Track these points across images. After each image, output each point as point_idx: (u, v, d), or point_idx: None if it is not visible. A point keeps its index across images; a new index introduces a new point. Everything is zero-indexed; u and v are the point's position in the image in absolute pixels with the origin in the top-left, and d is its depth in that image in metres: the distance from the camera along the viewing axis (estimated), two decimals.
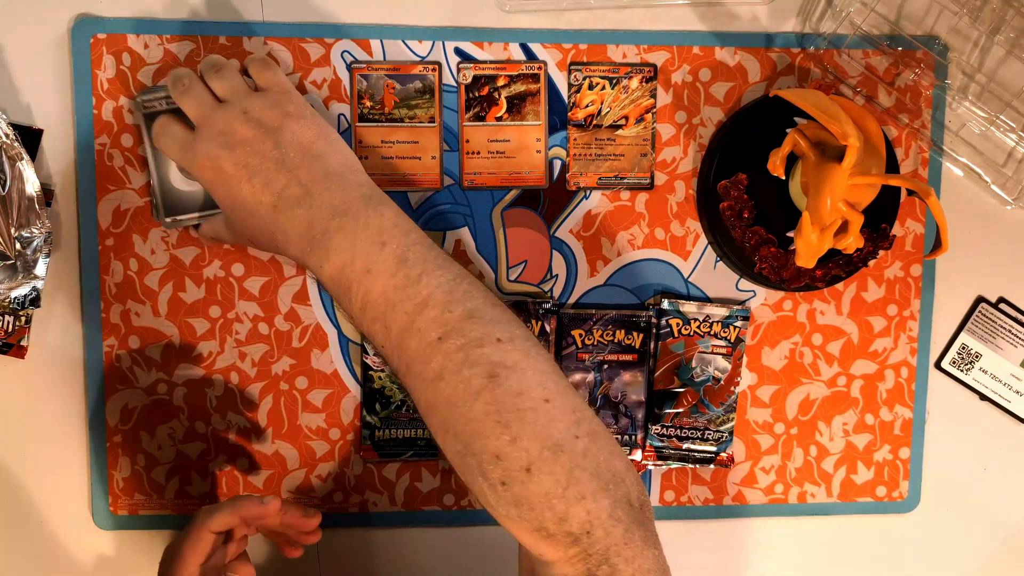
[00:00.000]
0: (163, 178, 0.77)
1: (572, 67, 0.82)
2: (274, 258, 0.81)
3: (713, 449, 0.85)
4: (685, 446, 0.85)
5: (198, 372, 0.81)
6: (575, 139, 0.82)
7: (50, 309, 0.80)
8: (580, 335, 0.82)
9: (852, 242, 0.75)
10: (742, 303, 0.85)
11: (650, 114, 0.83)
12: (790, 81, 0.83)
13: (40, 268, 0.77)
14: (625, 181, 0.83)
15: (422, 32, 0.80)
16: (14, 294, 0.77)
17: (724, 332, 0.83)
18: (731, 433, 0.85)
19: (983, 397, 0.88)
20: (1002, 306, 0.87)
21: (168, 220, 0.77)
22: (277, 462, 0.82)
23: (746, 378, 0.85)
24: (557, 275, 0.83)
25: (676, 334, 0.83)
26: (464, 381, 0.61)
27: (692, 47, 0.82)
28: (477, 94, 0.81)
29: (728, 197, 0.79)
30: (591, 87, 0.82)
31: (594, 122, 0.82)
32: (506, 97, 0.81)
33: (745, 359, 0.85)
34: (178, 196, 0.78)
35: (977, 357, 0.87)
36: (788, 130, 0.77)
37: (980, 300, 0.87)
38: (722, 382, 0.84)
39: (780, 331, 0.85)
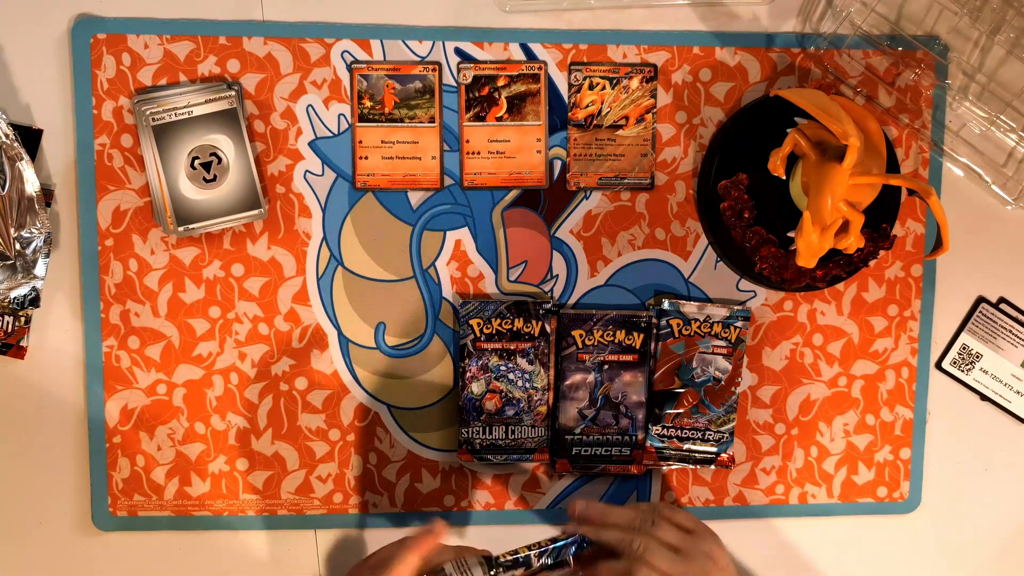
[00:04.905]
0: (173, 187, 0.77)
1: (572, 67, 0.82)
2: (274, 258, 0.81)
3: (714, 450, 0.84)
4: (686, 447, 0.84)
5: (198, 372, 0.81)
6: (575, 139, 0.82)
7: (50, 309, 0.80)
8: (580, 335, 0.82)
9: (853, 242, 0.75)
10: (743, 303, 0.85)
11: (650, 114, 0.82)
12: (790, 81, 0.83)
13: (40, 268, 0.77)
14: (625, 181, 0.83)
15: (422, 32, 0.80)
16: (14, 294, 0.77)
17: (725, 332, 0.83)
18: (732, 434, 0.84)
19: (984, 397, 0.87)
20: (1003, 306, 0.87)
21: (181, 229, 0.78)
22: (277, 462, 0.82)
23: (747, 378, 0.85)
24: (557, 275, 0.83)
25: (677, 334, 0.83)
26: None
27: (692, 47, 0.82)
28: (477, 94, 0.81)
29: (728, 197, 0.79)
30: (591, 87, 0.82)
31: (594, 122, 0.82)
32: (506, 97, 0.81)
33: (746, 359, 0.85)
34: (189, 205, 0.78)
35: (978, 357, 0.87)
36: (788, 130, 0.77)
37: (980, 300, 0.87)
38: (723, 382, 0.84)
39: (781, 331, 0.85)
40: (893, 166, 0.80)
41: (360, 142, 0.81)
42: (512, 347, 0.82)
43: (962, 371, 0.87)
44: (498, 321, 0.81)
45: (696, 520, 0.72)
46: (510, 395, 0.82)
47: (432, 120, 0.81)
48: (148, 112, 0.77)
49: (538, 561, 0.69)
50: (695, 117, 0.83)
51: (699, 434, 0.84)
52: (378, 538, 0.84)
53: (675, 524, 0.70)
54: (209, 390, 0.81)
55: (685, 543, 0.69)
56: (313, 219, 0.81)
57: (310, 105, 0.80)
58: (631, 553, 0.68)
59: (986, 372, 0.87)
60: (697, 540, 0.70)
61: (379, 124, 0.81)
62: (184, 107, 0.77)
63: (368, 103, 0.80)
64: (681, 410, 0.84)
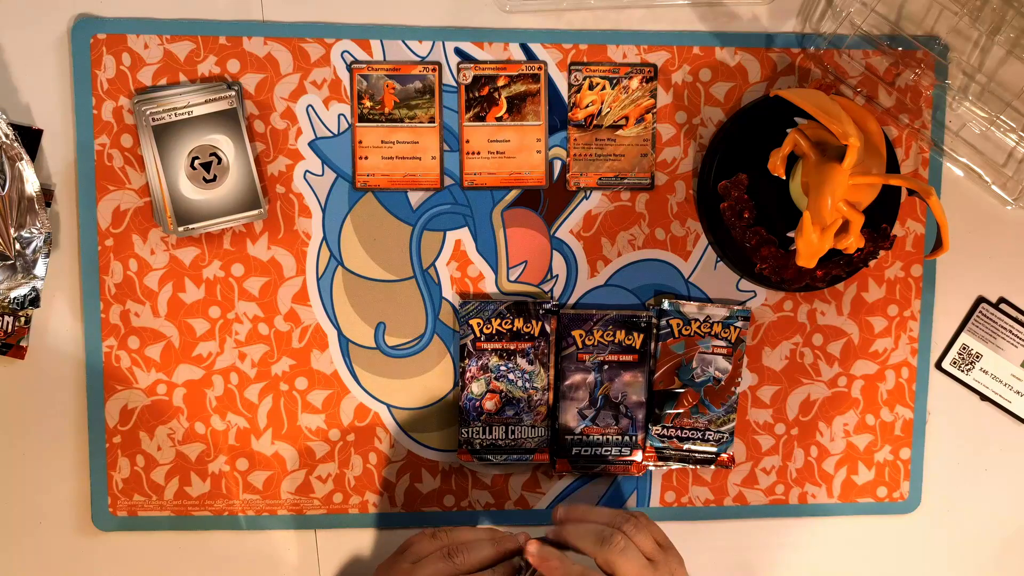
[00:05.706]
0: (173, 188, 0.77)
1: (572, 67, 0.82)
2: (274, 258, 0.81)
3: (714, 450, 0.84)
4: (686, 447, 0.84)
5: (198, 372, 0.81)
6: (575, 139, 0.82)
7: (50, 309, 0.80)
8: (580, 335, 0.82)
9: (853, 242, 0.75)
10: (742, 303, 0.85)
11: (650, 114, 0.83)
12: (790, 81, 0.83)
13: (40, 268, 0.77)
14: (625, 181, 0.83)
15: (422, 32, 0.80)
16: (14, 294, 0.77)
17: (724, 332, 0.83)
18: (732, 434, 0.84)
19: (984, 397, 0.87)
20: (1002, 306, 0.87)
21: (180, 229, 0.78)
22: (277, 462, 0.82)
23: (747, 378, 0.85)
24: (557, 275, 0.83)
25: (676, 334, 0.83)
26: None
27: (692, 47, 0.82)
28: (477, 94, 0.81)
29: (728, 197, 0.79)
30: (591, 87, 0.82)
31: (594, 122, 0.82)
32: (506, 97, 0.81)
33: (746, 359, 0.85)
34: (189, 205, 0.78)
35: (978, 357, 0.87)
36: (788, 130, 0.77)
37: (980, 300, 0.87)
38: (723, 382, 0.84)
39: (781, 331, 0.85)
40: (893, 166, 0.80)
41: (360, 142, 0.81)
42: (512, 347, 0.82)
43: (962, 371, 0.87)
44: (498, 321, 0.81)
45: (668, 539, 0.73)
46: (510, 395, 0.82)
47: (432, 120, 0.81)
48: (148, 112, 0.77)
49: None
50: (695, 117, 0.83)
51: (699, 434, 0.84)
52: (378, 538, 0.84)
53: (651, 535, 0.71)
54: (209, 390, 0.81)
55: (657, 555, 0.70)
56: (313, 219, 0.81)
57: (310, 105, 0.80)
58: (609, 546, 0.68)
59: (986, 372, 0.87)
60: (668, 556, 0.71)
61: (379, 124, 0.81)
62: (184, 107, 0.77)
63: (368, 103, 0.80)
64: (681, 410, 0.84)
